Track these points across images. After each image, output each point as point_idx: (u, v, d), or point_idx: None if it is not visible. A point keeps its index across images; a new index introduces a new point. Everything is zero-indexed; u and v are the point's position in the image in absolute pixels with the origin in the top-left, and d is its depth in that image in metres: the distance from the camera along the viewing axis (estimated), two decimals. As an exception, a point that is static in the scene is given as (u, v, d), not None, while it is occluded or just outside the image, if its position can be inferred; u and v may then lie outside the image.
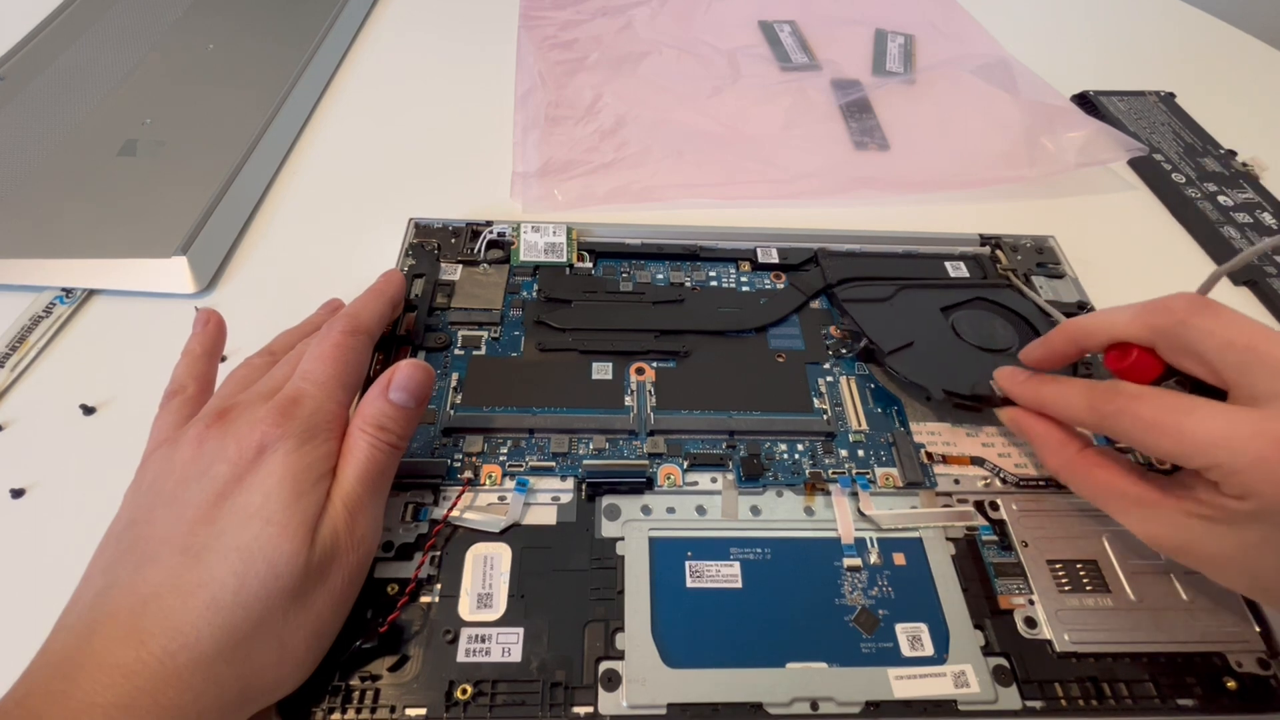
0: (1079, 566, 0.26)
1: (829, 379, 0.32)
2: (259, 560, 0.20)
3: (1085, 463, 0.25)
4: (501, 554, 0.26)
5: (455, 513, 0.27)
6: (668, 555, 0.26)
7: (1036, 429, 0.27)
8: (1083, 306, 0.35)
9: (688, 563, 0.26)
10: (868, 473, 0.29)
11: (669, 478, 0.28)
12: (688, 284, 0.36)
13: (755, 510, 0.28)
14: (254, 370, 0.27)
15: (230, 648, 0.20)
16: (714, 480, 0.28)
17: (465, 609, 0.25)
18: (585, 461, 0.29)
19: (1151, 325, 0.23)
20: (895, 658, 0.24)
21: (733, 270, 0.37)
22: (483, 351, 0.32)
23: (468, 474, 0.28)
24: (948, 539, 0.27)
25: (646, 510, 0.27)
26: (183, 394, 0.26)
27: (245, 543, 0.21)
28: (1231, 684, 0.24)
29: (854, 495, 0.28)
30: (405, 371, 0.25)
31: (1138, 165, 0.47)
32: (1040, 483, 0.29)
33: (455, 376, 0.31)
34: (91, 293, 0.35)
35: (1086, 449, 0.26)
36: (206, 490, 0.22)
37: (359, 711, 0.22)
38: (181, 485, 0.22)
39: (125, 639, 0.19)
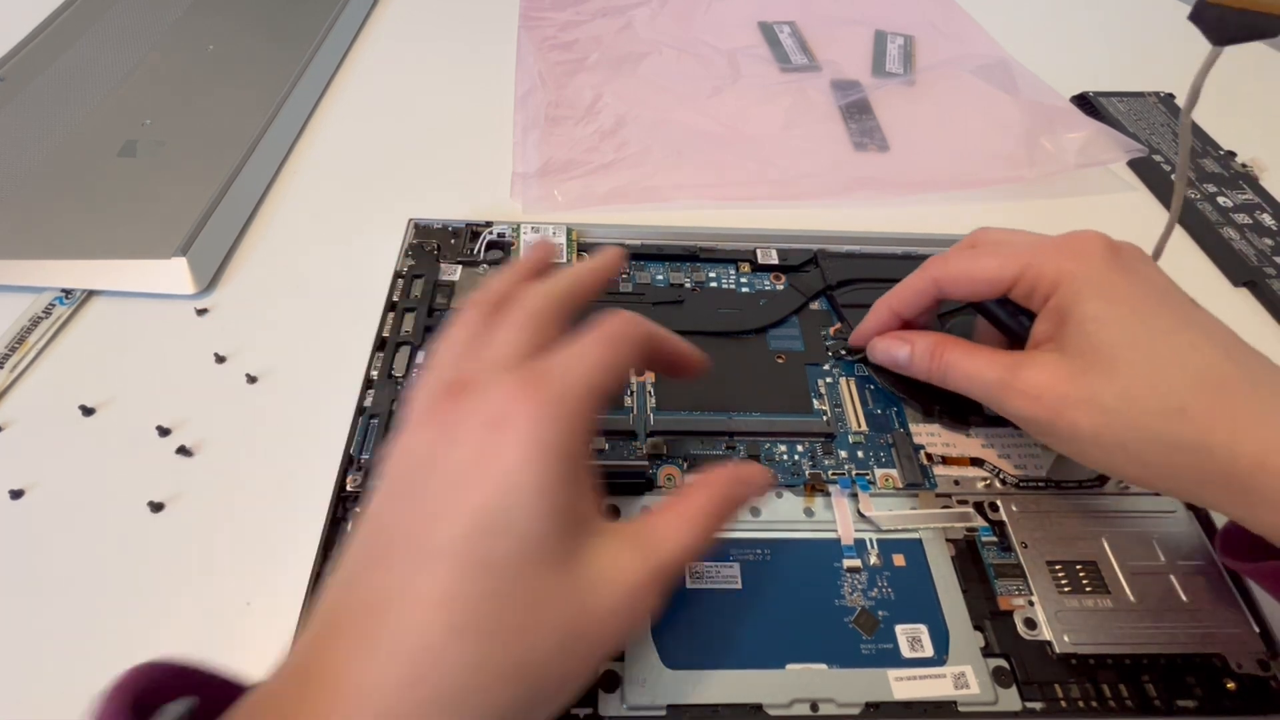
0: (1079, 568, 0.26)
1: (828, 380, 0.32)
2: (506, 537, 0.17)
3: (944, 353, 0.27)
4: (501, 555, 0.26)
5: (455, 514, 0.27)
6: (667, 556, 0.26)
7: (904, 338, 0.29)
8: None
9: (687, 564, 0.26)
10: (867, 474, 0.29)
11: (669, 478, 0.28)
12: (687, 285, 0.36)
13: (755, 511, 0.28)
14: (471, 330, 0.22)
15: (493, 612, 0.17)
16: (714, 481, 0.28)
17: (465, 610, 0.25)
18: (585, 462, 0.29)
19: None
20: (895, 659, 0.24)
21: (732, 271, 0.37)
22: (483, 352, 0.32)
23: (467, 475, 0.28)
24: (947, 540, 0.27)
25: (646, 511, 0.27)
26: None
27: (486, 516, 0.18)
28: (1231, 685, 0.24)
29: (854, 496, 0.28)
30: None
31: (1137, 166, 0.47)
32: (1040, 484, 0.29)
33: (455, 377, 0.31)
34: (91, 293, 0.35)
35: (943, 339, 0.28)
36: (444, 479, 0.18)
37: (359, 712, 0.22)
38: (423, 475, 0.19)
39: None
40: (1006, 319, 0.28)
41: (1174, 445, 0.22)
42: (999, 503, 0.28)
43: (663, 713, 0.23)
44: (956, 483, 0.29)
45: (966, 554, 0.27)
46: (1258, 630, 0.25)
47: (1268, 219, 0.43)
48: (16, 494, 0.28)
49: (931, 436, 0.30)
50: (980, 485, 0.29)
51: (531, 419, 0.18)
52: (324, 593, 0.19)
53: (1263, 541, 0.22)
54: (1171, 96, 0.52)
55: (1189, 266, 0.41)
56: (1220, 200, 0.44)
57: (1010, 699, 0.24)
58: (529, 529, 0.18)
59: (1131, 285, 0.24)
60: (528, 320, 0.21)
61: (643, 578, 0.19)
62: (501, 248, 0.36)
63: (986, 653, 0.24)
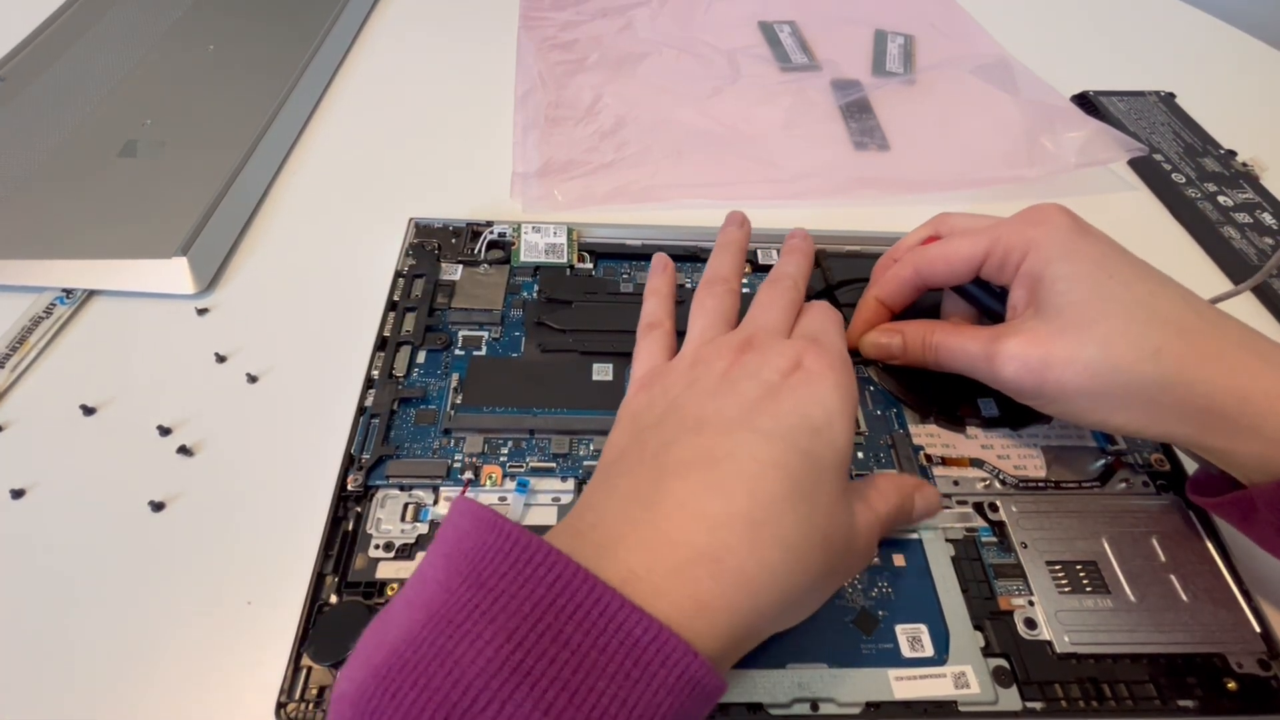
0: (1078, 567, 0.26)
1: (829, 380, 0.32)
2: (822, 437, 0.21)
3: (933, 336, 0.29)
4: (501, 555, 0.26)
5: (455, 513, 0.27)
6: (668, 556, 0.26)
7: (894, 328, 0.30)
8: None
9: (688, 563, 0.26)
10: (867, 475, 0.29)
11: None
12: (688, 285, 0.36)
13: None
14: (722, 303, 0.28)
15: (798, 497, 0.20)
16: (714, 481, 0.28)
17: (465, 610, 0.25)
18: (586, 463, 0.29)
19: (930, 227, 0.31)
20: (895, 659, 0.24)
21: (733, 271, 0.36)
22: (483, 352, 0.32)
23: (468, 474, 0.28)
24: (947, 540, 0.27)
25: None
26: (661, 327, 0.29)
27: (809, 418, 0.22)
28: (1232, 685, 0.24)
29: (854, 496, 0.28)
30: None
31: (1138, 165, 0.47)
32: (1039, 484, 0.29)
33: (455, 377, 0.31)
34: (92, 293, 0.35)
35: (930, 324, 0.29)
36: (757, 387, 0.23)
37: (359, 712, 0.22)
38: (727, 384, 0.23)
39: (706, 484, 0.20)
40: (987, 299, 0.29)
41: (1156, 385, 0.24)
42: (998, 503, 0.28)
43: (663, 712, 0.23)
44: (956, 483, 0.29)
45: (966, 554, 0.27)
46: (1258, 630, 0.25)
47: (1268, 218, 0.43)
48: (17, 493, 0.28)
49: (931, 437, 0.30)
50: (980, 486, 0.29)
51: (827, 367, 0.23)
52: (623, 442, 0.23)
53: (1227, 485, 0.25)
54: (1172, 95, 0.52)
55: (1189, 265, 0.41)
56: (1221, 199, 0.44)
57: (1010, 699, 0.24)
58: (838, 440, 0.22)
59: (1092, 245, 0.26)
60: (789, 304, 0.27)
61: (875, 522, 0.23)
62: (502, 247, 0.36)
63: (987, 652, 0.24)
